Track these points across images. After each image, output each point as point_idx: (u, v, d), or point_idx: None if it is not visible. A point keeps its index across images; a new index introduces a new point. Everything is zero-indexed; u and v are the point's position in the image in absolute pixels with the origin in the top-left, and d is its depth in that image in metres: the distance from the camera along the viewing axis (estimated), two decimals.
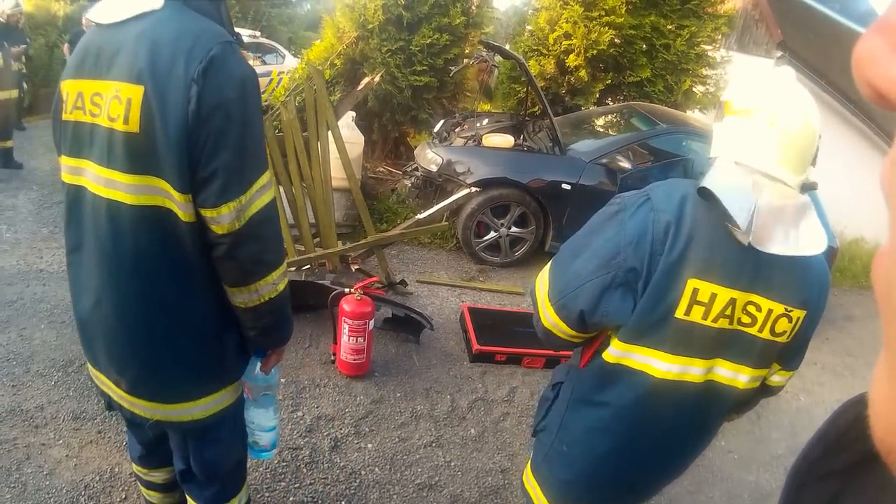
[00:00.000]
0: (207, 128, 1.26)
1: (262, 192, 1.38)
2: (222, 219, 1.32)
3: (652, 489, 1.64)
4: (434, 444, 3.11)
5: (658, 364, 1.33)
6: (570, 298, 1.36)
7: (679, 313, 1.28)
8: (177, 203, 1.30)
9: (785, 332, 1.34)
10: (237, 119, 1.31)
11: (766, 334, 1.34)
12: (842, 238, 7.10)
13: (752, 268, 1.27)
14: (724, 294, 1.27)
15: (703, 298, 1.27)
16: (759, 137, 1.26)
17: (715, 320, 1.29)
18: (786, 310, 1.32)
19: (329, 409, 3.20)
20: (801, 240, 1.24)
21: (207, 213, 1.31)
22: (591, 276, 1.32)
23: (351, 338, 3.34)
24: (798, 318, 1.34)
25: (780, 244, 1.23)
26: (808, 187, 1.31)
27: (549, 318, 1.41)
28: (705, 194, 1.26)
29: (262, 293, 1.44)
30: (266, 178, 1.40)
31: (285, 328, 1.62)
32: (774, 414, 4.51)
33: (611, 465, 1.48)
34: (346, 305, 3.33)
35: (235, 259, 1.38)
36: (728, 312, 1.29)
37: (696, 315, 1.28)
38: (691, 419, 1.45)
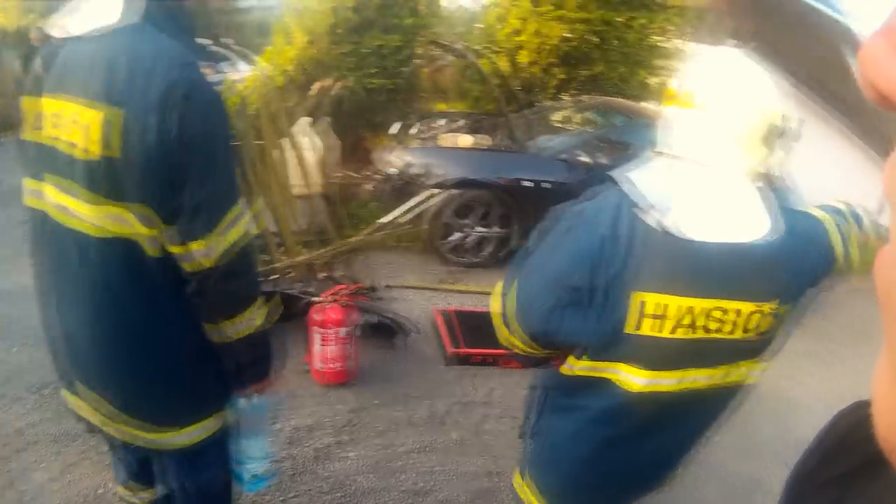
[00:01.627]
0: (172, 160, 1.19)
1: (233, 225, 1.29)
2: (192, 256, 1.25)
3: (646, 490, 1.62)
4: (418, 451, 3.10)
5: (624, 375, 1.31)
6: (521, 320, 1.34)
7: (629, 329, 1.24)
8: (143, 236, 1.24)
9: (760, 326, 1.30)
10: (204, 149, 1.23)
11: (739, 335, 1.28)
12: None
13: (707, 272, 1.21)
14: (678, 304, 1.22)
15: (654, 311, 1.22)
16: (683, 123, 1.26)
17: (673, 331, 1.24)
18: (757, 307, 1.26)
19: (308, 419, 3.17)
20: (737, 225, 1.21)
21: (176, 250, 1.25)
22: (537, 298, 1.31)
23: (323, 346, 3.32)
24: (773, 310, 1.29)
25: (708, 230, 1.19)
26: (762, 173, 1.27)
27: (507, 338, 1.41)
28: (614, 181, 1.27)
29: (240, 329, 1.38)
30: (238, 209, 1.31)
31: (265, 363, 1.54)
32: (763, 404, 4.57)
33: (597, 468, 1.47)
34: (315, 314, 3.31)
35: (208, 296, 1.32)
36: (687, 322, 1.23)
37: (649, 328, 1.23)
38: (675, 423, 1.43)
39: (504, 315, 1.40)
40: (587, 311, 1.27)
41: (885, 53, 0.28)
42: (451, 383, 3.73)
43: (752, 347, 1.36)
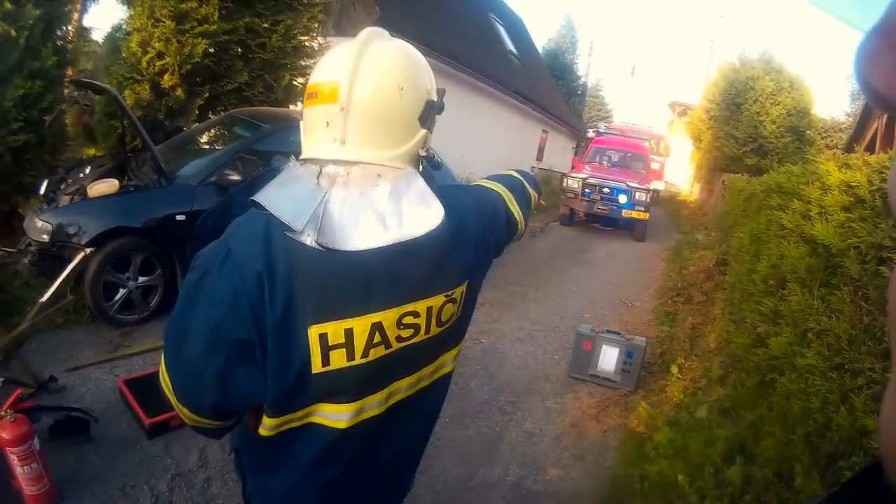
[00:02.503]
0: None
1: None
2: None
3: (397, 502, 1.50)
4: None
5: (327, 415, 1.13)
6: (195, 395, 1.08)
7: (316, 368, 1.06)
8: None
9: (453, 313, 1.23)
10: None
11: (434, 330, 1.19)
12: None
13: (386, 280, 1.09)
14: (362, 324, 1.08)
15: (338, 340, 1.06)
16: (320, 121, 1.08)
17: (365, 355, 1.10)
18: (446, 297, 1.18)
19: None
20: (403, 221, 1.08)
21: None
22: (203, 366, 1.04)
23: (24, 467, 2.79)
24: (462, 293, 1.22)
25: (371, 235, 1.05)
26: (421, 156, 1.14)
27: (187, 417, 1.13)
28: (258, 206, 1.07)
29: None
30: None
31: None
32: (464, 365, 4.77)
33: None
34: (2, 433, 2.75)
35: None
36: (377, 340, 1.10)
37: (339, 360, 1.08)
38: (397, 435, 1.29)
39: (174, 392, 1.12)
40: (263, 365, 1.05)
41: (882, 52, 0.27)
42: (161, 456, 3.35)
43: (453, 333, 1.28)
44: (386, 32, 1.14)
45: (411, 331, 1.16)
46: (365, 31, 1.11)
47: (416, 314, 1.15)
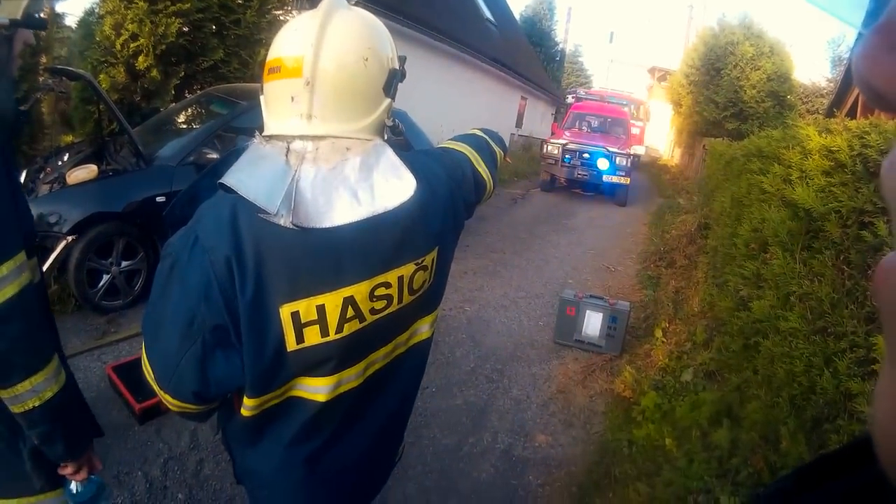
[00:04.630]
0: None
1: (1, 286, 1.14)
2: None
3: (386, 472, 1.52)
4: None
5: (306, 389, 1.15)
6: (175, 383, 1.09)
7: (291, 346, 1.08)
8: None
9: (425, 280, 1.24)
10: None
11: (407, 299, 1.21)
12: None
13: (357, 254, 1.09)
14: (334, 299, 1.08)
15: (311, 317, 1.07)
16: (284, 96, 1.06)
17: (339, 329, 1.10)
18: (416, 265, 1.18)
19: None
20: (375, 194, 1.07)
21: None
22: (180, 353, 1.06)
23: None
24: (433, 259, 1.23)
25: (345, 211, 1.05)
26: (388, 125, 1.14)
27: (171, 403, 1.15)
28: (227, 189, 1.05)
29: (24, 400, 1.21)
30: (6, 268, 1.15)
31: (64, 442, 1.33)
32: (449, 335, 4.78)
33: (322, 485, 1.30)
34: None
35: None
36: (351, 314, 1.11)
37: (314, 337, 1.09)
38: (378, 405, 1.32)
39: (156, 380, 1.13)
40: (239, 349, 1.06)
41: (881, 51, 0.27)
42: (153, 441, 3.35)
43: (427, 300, 1.30)
44: (345, 1, 1.13)
45: (384, 302, 1.17)
46: (325, 1, 1.09)
47: (387, 285, 1.16)
